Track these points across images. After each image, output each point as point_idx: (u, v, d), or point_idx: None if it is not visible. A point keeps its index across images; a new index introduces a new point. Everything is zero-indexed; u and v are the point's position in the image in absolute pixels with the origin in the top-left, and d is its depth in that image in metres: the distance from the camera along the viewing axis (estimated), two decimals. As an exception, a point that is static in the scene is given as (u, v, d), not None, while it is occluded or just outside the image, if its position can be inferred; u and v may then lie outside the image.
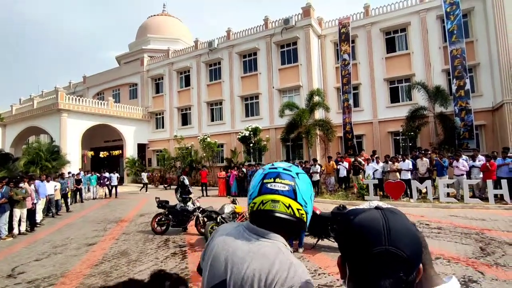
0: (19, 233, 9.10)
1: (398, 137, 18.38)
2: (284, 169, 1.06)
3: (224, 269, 0.97)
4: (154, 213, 8.90)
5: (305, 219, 1.04)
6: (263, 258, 0.94)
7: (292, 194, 1.02)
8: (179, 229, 8.40)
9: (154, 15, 36.04)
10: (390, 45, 19.30)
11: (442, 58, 17.47)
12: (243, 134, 19.71)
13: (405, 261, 0.66)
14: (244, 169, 16.99)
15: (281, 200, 1.00)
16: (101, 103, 24.34)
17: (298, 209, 1.01)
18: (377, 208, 0.74)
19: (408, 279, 0.67)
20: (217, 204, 8.54)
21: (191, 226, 8.41)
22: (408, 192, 11.68)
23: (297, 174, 1.06)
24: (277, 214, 0.99)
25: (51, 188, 11.96)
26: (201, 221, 7.89)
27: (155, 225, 8.31)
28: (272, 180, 1.03)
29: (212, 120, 24.49)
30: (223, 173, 17.32)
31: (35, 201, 10.03)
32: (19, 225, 9.21)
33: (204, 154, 21.99)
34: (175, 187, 14.53)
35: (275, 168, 1.07)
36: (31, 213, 9.81)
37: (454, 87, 16.34)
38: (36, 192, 10.30)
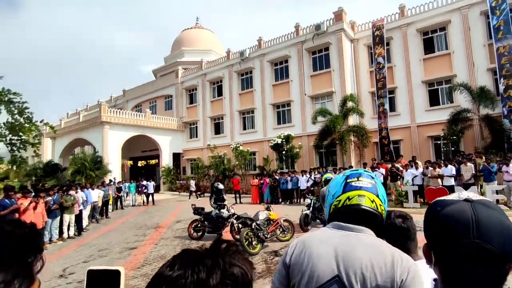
0: (68, 237, 9.79)
1: (438, 142, 17.35)
2: (364, 171, 1.21)
3: (332, 265, 1.01)
4: (190, 220, 9.11)
5: (384, 215, 1.13)
6: (373, 248, 1.01)
7: (375, 190, 1.13)
8: (214, 235, 8.51)
9: (188, 29, 37.46)
10: (428, 46, 18.41)
11: (487, 57, 16.33)
12: (275, 142, 19.71)
13: (495, 255, 0.63)
14: (276, 177, 16.95)
15: (366, 195, 1.11)
16: (139, 114, 25.62)
17: (380, 205, 1.12)
18: (466, 200, 0.72)
19: (501, 272, 0.64)
20: (251, 211, 8.56)
21: (226, 232, 8.48)
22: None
23: (374, 176, 1.20)
24: (364, 207, 1.09)
25: (95, 195, 12.78)
26: (236, 228, 7.93)
27: (192, 231, 8.51)
28: (355, 179, 1.15)
29: (244, 128, 24.77)
30: (256, 181, 17.39)
31: (81, 208, 10.74)
32: (68, 229, 9.92)
33: (237, 162, 22.22)
34: (208, 195, 14.80)
35: (356, 170, 1.22)
36: (78, 218, 10.52)
37: (501, 87, 15.17)
38: (85, 200, 11.06)
